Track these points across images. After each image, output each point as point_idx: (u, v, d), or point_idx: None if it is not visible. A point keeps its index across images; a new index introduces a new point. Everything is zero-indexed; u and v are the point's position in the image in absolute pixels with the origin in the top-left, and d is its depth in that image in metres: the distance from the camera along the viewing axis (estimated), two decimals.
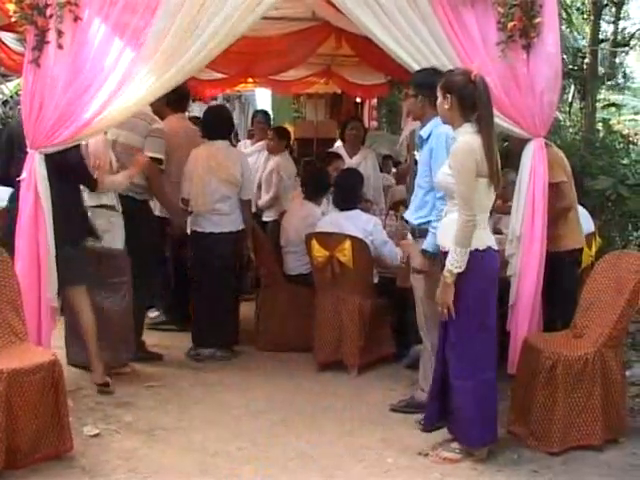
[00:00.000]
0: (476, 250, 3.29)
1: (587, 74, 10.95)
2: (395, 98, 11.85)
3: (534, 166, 3.89)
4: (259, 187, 6.44)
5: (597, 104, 11.14)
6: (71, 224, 3.97)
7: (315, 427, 3.87)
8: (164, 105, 5.14)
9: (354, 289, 4.79)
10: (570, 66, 11.29)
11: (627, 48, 13.76)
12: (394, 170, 9.32)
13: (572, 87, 12.27)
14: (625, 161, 7.82)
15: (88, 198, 4.29)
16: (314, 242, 4.87)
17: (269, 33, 6.23)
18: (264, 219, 6.42)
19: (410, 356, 4.73)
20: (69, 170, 3.95)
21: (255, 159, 6.60)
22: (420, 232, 3.83)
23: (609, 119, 11.32)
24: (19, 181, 3.80)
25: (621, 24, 13.31)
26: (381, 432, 3.80)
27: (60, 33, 3.68)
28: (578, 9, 13.36)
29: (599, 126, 10.31)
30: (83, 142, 4.18)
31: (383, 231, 4.96)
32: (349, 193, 5.01)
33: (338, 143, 7.01)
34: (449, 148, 3.49)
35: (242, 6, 3.75)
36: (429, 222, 3.74)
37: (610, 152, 7.90)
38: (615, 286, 3.67)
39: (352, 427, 3.87)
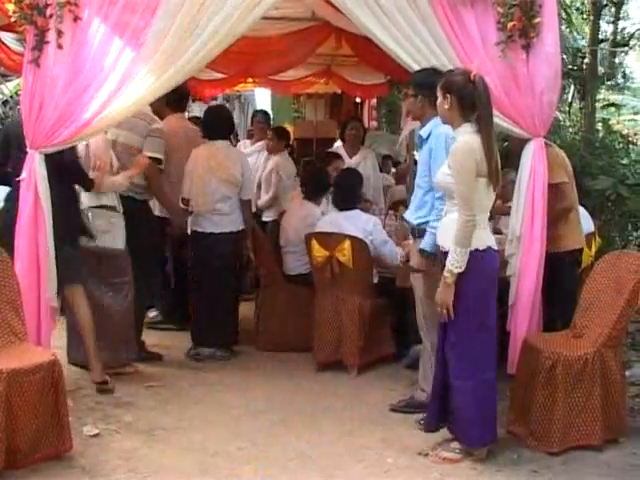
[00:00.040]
0: (476, 250, 3.29)
1: (587, 74, 10.94)
2: (395, 98, 11.85)
3: (534, 166, 3.89)
4: (259, 187, 6.44)
5: (597, 104, 11.14)
6: (67, 223, 3.97)
7: (315, 427, 3.87)
8: (164, 105, 5.15)
9: (354, 289, 4.79)
10: (570, 66, 11.29)
11: (627, 48, 13.76)
12: (393, 170, 9.31)
13: (572, 87, 12.27)
14: (625, 161, 7.82)
15: (89, 198, 4.29)
16: (314, 242, 4.87)
17: (269, 33, 6.24)
18: (264, 219, 6.42)
19: (410, 356, 4.73)
20: (63, 169, 3.94)
21: (255, 159, 6.60)
22: (420, 232, 3.82)
23: (609, 119, 11.31)
24: (18, 181, 3.80)
25: (620, 24, 13.31)
26: (381, 432, 3.80)
27: (60, 33, 3.68)
28: (578, 9, 13.36)
29: (599, 126, 10.31)
30: (84, 142, 4.19)
31: (383, 231, 4.97)
32: (348, 193, 5.01)
33: (338, 143, 7.02)
34: (448, 148, 3.49)
35: (242, 5, 3.76)
36: (428, 222, 3.75)
37: (610, 152, 7.90)
38: (615, 286, 3.67)
39: (352, 427, 3.87)
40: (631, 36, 13.51)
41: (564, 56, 10.26)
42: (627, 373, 4.15)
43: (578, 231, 4.28)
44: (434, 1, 3.82)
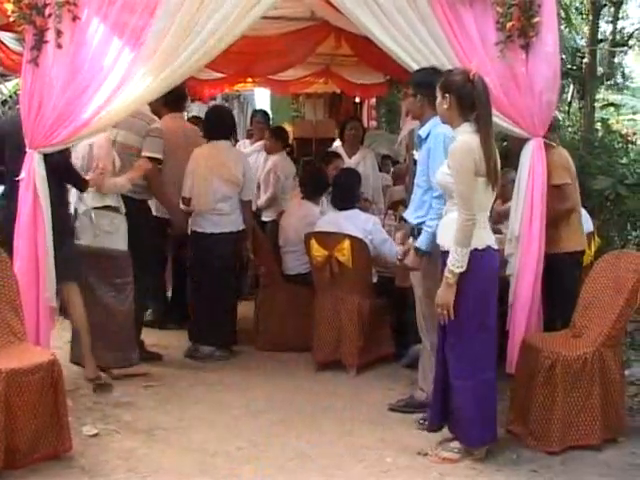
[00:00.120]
0: (475, 250, 3.29)
1: (586, 74, 10.93)
2: (394, 98, 11.82)
3: (533, 166, 3.89)
4: (258, 187, 6.43)
5: (596, 104, 11.11)
6: (61, 222, 3.96)
7: (315, 427, 3.87)
8: (162, 105, 5.14)
9: (353, 289, 4.79)
10: (569, 66, 11.27)
11: (626, 48, 13.74)
12: (392, 170, 9.30)
13: (571, 87, 12.25)
14: (624, 161, 7.80)
15: (92, 199, 4.30)
16: (313, 242, 4.87)
17: (268, 33, 6.23)
18: (263, 219, 6.41)
19: (409, 356, 4.73)
20: (55, 169, 3.94)
21: (254, 159, 6.59)
22: (419, 231, 3.82)
23: (608, 119, 11.29)
24: (12, 180, 3.79)
25: (620, 24, 13.28)
26: (380, 432, 3.80)
27: (59, 33, 3.68)
28: (577, 9, 13.34)
29: (598, 126, 10.30)
30: (87, 143, 4.19)
31: (382, 230, 4.97)
32: (347, 193, 5.01)
33: (337, 143, 7.01)
34: (447, 148, 3.49)
35: (241, 4, 3.76)
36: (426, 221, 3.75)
37: (609, 152, 7.89)
38: (614, 286, 3.67)
39: (352, 427, 3.87)
40: (630, 36, 13.49)
41: (563, 56, 10.25)
42: (626, 372, 4.15)
43: (580, 233, 4.26)
44: (433, 1, 3.82)
